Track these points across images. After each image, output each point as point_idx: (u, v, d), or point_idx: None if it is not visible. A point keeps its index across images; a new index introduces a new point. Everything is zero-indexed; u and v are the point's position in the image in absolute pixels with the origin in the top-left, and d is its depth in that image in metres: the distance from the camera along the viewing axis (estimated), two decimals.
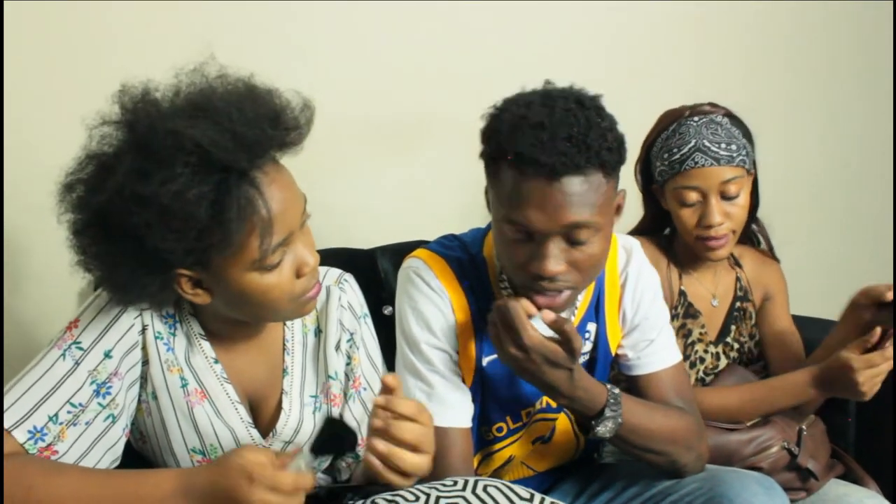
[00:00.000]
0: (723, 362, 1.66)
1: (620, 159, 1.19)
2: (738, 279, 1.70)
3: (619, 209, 1.26)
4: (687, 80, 2.37)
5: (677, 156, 1.54)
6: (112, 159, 1.03)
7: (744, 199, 1.54)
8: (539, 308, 1.21)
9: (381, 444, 1.01)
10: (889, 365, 1.43)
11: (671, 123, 1.58)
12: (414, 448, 1.01)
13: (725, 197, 1.52)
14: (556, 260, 1.16)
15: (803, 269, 2.66)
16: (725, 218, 1.53)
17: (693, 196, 1.53)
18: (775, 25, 2.56)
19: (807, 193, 2.72)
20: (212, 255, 1.04)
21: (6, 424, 1.04)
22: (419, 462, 1.02)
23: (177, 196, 0.98)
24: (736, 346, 1.68)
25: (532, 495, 1.05)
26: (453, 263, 1.33)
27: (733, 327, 1.68)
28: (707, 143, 1.52)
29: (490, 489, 1.04)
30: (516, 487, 1.06)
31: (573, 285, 1.20)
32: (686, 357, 1.62)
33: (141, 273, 1.05)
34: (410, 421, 1.02)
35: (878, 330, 1.43)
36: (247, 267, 1.06)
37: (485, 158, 1.22)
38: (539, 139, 1.12)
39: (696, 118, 1.55)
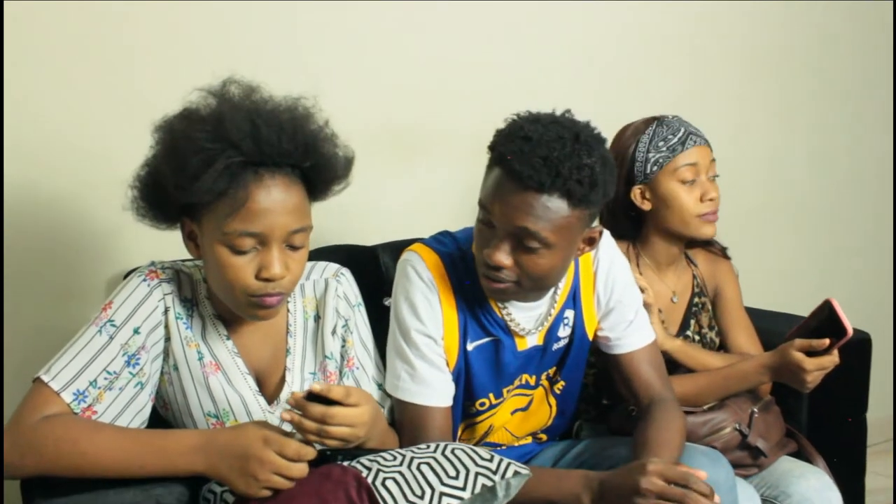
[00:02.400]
0: None
1: (590, 196, 1.31)
2: (694, 276, 1.84)
3: (591, 242, 1.42)
4: (679, 89, 2.48)
5: (674, 140, 1.70)
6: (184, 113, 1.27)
7: (717, 184, 1.73)
8: (488, 289, 1.40)
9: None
10: (834, 363, 1.56)
11: (645, 128, 1.74)
12: (346, 425, 1.17)
13: (711, 177, 1.72)
14: (503, 253, 1.33)
15: (789, 267, 2.79)
16: (718, 193, 1.71)
17: (691, 173, 1.69)
18: (766, 31, 2.66)
19: (792, 195, 2.82)
20: (196, 209, 1.25)
21: (56, 387, 1.22)
22: (349, 433, 1.17)
23: (187, 140, 1.21)
24: (696, 338, 1.82)
25: (492, 456, 1.21)
26: (445, 258, 1.48)
27: (692, 321, 1.83)
28: (692, 128, 1.72)
29: (457, 451, 1.21)
30: (479, 450, 1.22)
31: (516, 281, 1.36)
32: None
33: (156, 200, 1.28)
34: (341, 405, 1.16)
35: (827, 341, 1.54)
36: (218, 236, 1.24)
37: (489, 150, 1.39)
38: (521, 150, 1.28)
39: (666, 118, 1.74)
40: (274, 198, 1.24)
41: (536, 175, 1.27)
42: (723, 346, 1.86)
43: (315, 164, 1.29)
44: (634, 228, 1.80)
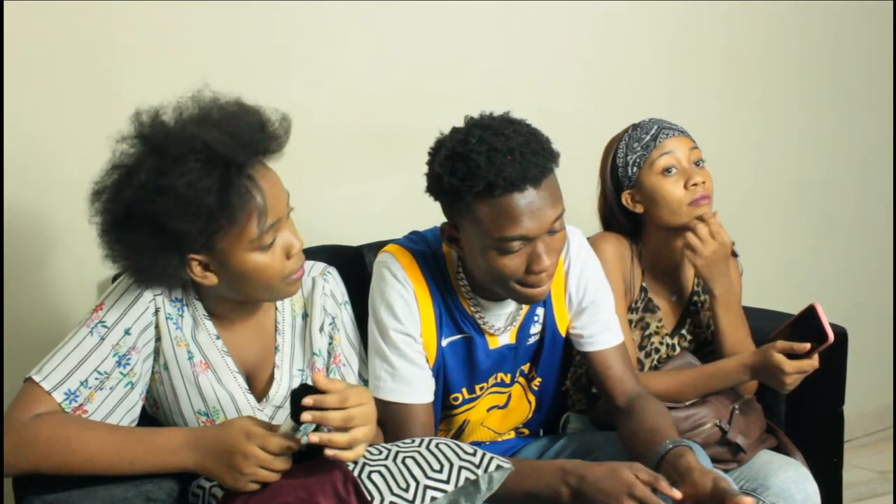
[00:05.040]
0: (677, 352, 1.82)
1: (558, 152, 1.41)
2: (696, 274, 1.85)
3: None
4: (662, 89, 2.51)
5: (647, 138, 1.73)
6: (134, 166, 1.25)
7: (707, 170, 1.75)
8: (533, 299, 1.42)
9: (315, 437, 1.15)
10: (813, 366, 1.58)
11: (622, 136, 1.78)
12: (345, 427, 1.16)
13: (696, 164, 1.73)
14: (547, 255, 1.38)
15: (773, 265, 2.82)
16: (705, 178, 1.72)
17: (671, 162, 1.71)
18: (748, 30, 2.68)
19: (776, 193, 2.84)
20: (219, 238, 1.26)
21: (47, 387, 1.24)
22: (350, 437, 1.16)
23: (191, 186, 1.21)
24: (689, 336, 1.85)
25: (475, 450, 1.24)
26: (418, 257, 1.52)
27: (689, 320, 1.85)
28: (666, 123, 1.75)
29: (440, 446, 1.25)
30: (462, 444, 1.26)
31: (554, 269, 1.42)
32: (642, 347, 1.79)
33: (161, 256, 1.27)
34: (336, 409, 1.15)
35: (809, 345, 1.55)
36: (246, 247, 1.27)
37: (457, 202, 1.37)
38: (516, 160, 1.32)
39: (642, 121, 1.77)
40: (269, 187, 1.29)
41: (542, 164, 1.34)
42: (715, 342, 1.85)
43: (271, 135, 1.33)
44: (635, 229, 1.82)
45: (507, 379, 1.60)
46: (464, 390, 1.58)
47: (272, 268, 1.31)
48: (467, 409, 1.60)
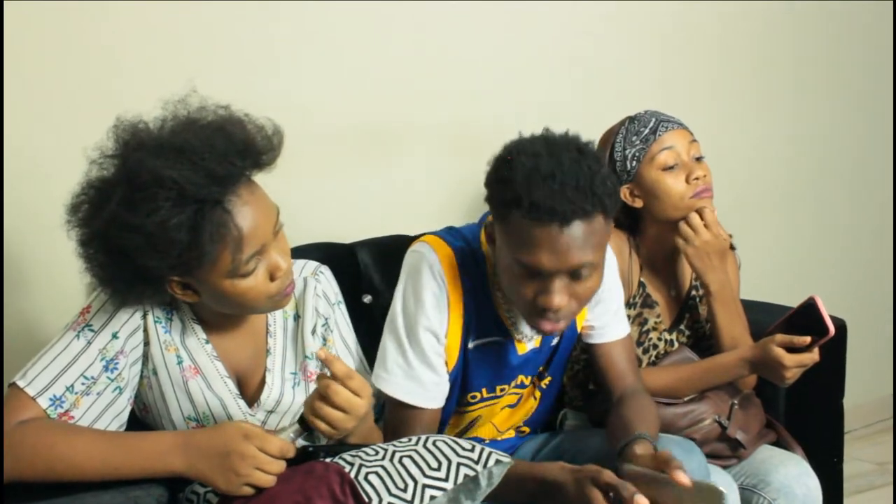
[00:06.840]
0: (675, 347, 1.81)
1: (617, 202, 1.32)
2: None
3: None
4: (658, 84, 2.50)
5: (646, 131, 1.71)
6: (108, 187, 1.21)
7: (706, 163, 1.72)
8: (538, 330, 1.37)
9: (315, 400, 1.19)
10: (814, 360, 1.57)
11: (619, 128, 1.75)
12: (341, 409, 1.18)
13: (696, 159, 1.70)
14: (560, 295, 1.30)
15: (770, 258, 2.82)
16: (706, 171, 1.70)
17: (671, 157, 1.68)
18: (743, 24, 2.67)
19: (772, 186, 2.84)
20: (193, 268, 1.21)
21: (32, 393, 1.21)
22: (341, 418, 1.18)
23: (160, 225, 1.16)
24: (688, 332, 1.83)
25: (473, 446, 1.21)
26: (458, 253, 1.46)
27: (687, 315, 1.83)
28: (664, 116, 1.72)
29: (438, 443, 1.21)
30: (460, 441, 1.23)
31: (572, 312, 1.36)
32: (640, 343, 1.76)
33: (136, 282, 1.23)
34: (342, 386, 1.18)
35: (809, 338, 1.54)
36: (223, 275, 1.23)
37: (494, 203, 1.33)
38: (551, 189, 1.24)
39: (638, 114, 1.75)
40: (250, 214, 1.23)
41: (578, 205, 1.25)
42: (713, 338, 1.84)
43: (258, 152, 1.27)
44: (633, 224, 1.80)
45: (527, 381, 1.58)
46: (483, 390, 1.54)
47: (255, 290, 1.26)
48: (483, 407, 1.57)
